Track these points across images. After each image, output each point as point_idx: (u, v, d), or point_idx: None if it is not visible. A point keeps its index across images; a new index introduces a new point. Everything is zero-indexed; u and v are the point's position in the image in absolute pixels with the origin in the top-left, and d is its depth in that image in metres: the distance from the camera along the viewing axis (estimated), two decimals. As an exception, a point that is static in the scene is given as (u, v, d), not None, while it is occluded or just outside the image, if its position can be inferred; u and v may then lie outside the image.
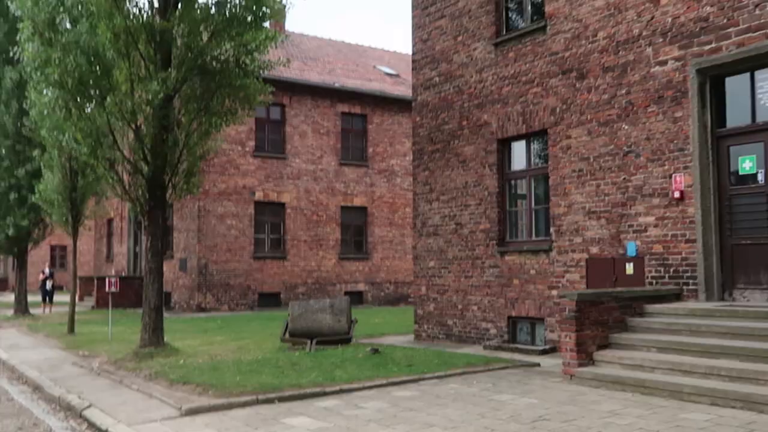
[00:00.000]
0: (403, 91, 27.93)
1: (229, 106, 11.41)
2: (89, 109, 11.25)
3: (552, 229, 11.25)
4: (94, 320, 19.69)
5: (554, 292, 11.11)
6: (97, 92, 10.80)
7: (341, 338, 11.76)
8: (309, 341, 11.33)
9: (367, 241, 26.50)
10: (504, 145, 12.37)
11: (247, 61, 10.92)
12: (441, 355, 10.67)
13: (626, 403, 7.25)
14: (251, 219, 24.11)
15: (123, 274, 29.09)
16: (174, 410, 7.48)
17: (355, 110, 26.44)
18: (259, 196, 24.25)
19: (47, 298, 24.02)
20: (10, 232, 19.72)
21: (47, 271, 24.41)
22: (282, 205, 24.79)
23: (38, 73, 10.85)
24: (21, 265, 21.65)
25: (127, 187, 11.48)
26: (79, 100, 10.83)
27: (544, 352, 10.91)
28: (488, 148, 12.47)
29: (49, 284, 24.14)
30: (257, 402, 7.74)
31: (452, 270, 13.11)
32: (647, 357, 8.07)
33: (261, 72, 11.46)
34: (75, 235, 16.17)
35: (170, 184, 11.60)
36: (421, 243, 13.90)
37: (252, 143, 24.22)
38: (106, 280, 14.61)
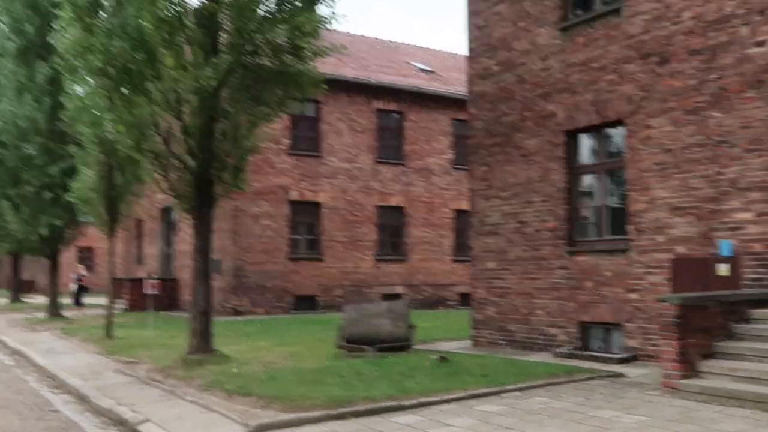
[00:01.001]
0: (440, 87, 27.18)
1: (281, 95, 10.67)
2: (130, 100, 10.54)
3: (630, 227, 10.39)
4: (129, 323, 19.06)
5: (633, 296, 10.25)
6: (142, 81, 10.10)
7: (401, 345, 10.99)
8: (369, 348, 10.55)
9: (404, 241, 25.71)
10: (572, 137, 11.53)
11: (303, 45, 10.13)
12: (514, 364, 9.85)
13: (752, 422, 6.39)
14: (287, 219, 23.41)
15: (154, 276, 28.54)
16: (240, 427, 6.73)
17: (391, 107, 25.67)
18: (294, 195, 23.55)
19: (76, 300, 23.51)
20: (44, 232, 19.18)
21: (77, 273, 23.88)
22: (317, 204, 24.07)
23: (79, 61, 10.19)
24: (53, 267, 21.11)
25: (173, 183, 10.77)
26: (122, 89, 10.14)
27: (623, 361, 10.04)
28: (554, 140, 11.63)
29: (74, 286, 23.64)
30: (329, 417, 6.97)
31: (514, 271, 12.29)
32: (763, 369, 7.21)
33: (313, 59, 10.70)
34: (112, 235, 15.55)
35: (218, 180, 10.89)
36: (479, 243, 13.10)
37: (287, 141, 23.53)
38: (145, 282, 13.94)
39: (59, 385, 10.50)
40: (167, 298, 26.19)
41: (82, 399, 9.16)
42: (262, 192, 22.96)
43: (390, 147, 25.80)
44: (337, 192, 24.37)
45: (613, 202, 11.08)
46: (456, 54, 34.53)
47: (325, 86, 11.22)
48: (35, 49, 19.35)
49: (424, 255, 26.04)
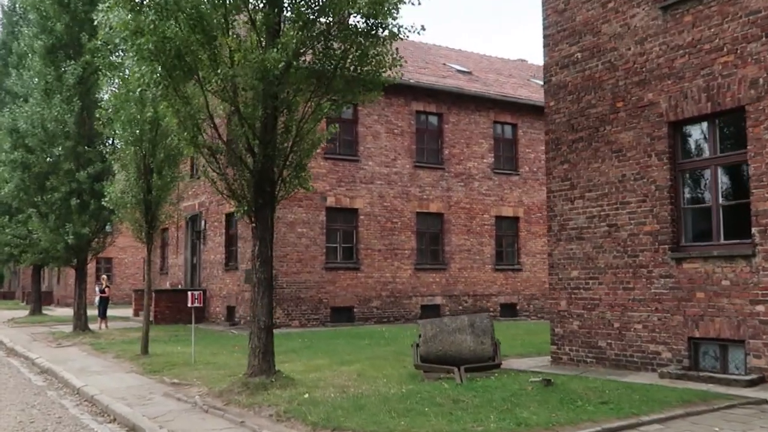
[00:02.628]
0: (479, 88, 25.95)
1: (353, 83, 9.43)
2: (184, 88, 9.35)
3: (755, 230, 9.06)
4: (160, 338, 17.86)
5: (760, 308, 8.92)
6: (197, 66, 8.90)
7: (488, 364, 9.68)
8: (456, 369, 9.24)
9: (444, 250, 24.39)
10: (676, 129, 10.23)
11: (384, 22, 8.86)
12: (631, 388, 8.51)
13: None
14: (323, 226, 22.16)
15: (180, 286, 27.39)
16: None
17: (430, 109, 24.42)
18: (330, 201, 22.30)
19: (100, 313, 22.32)
20: (70, 240, 17.96)
21: (101, 285, 22.71)
22: (355, 211, 22.82)
23: (127, 45, 8.99)
24: (80, 278, 19.90)
25: (230, 182, 9.54)
26: (176, 75, 8.93)
27: (752, 384, 8.69)
28: (655, 133, 10.33)
29: (97, 299, 22.46)
30: (451, 460, 5.69)
31: (604, 281, 10.97)
32: None
33: (391, 41, 9.45)
34: (149, 242, 14.35)
35: (280, 179, 9.65)
36: (560, 249, 11.79)
37: (323, 144, 22.27)
38: (190, 293, 12.70)
39: (102, 411, 9.26)
40: (194, 310, 24.98)
41: (134, 431, 7.91)
42: (296, 198, 21.63)
43: (429, 150, 24.57)
44: (374, 198, 23.11)
45: (730, 200, 9.75)
46: (489, 56, 33.37)
47: (400, 62, 9.85)
48: (64, 48, 18.23)
49: (464, 264, 24.71)
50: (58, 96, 17.62)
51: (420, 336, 9.89)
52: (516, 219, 25.97)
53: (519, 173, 26.10)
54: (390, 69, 9.54)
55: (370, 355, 13.05)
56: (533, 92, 28.09)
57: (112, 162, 16.33)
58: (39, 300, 30.92)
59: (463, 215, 24.82)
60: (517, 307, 25.58)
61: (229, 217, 24.13)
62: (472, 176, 25.10)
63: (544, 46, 12.22)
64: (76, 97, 17.83)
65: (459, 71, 27.48)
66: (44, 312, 31.80)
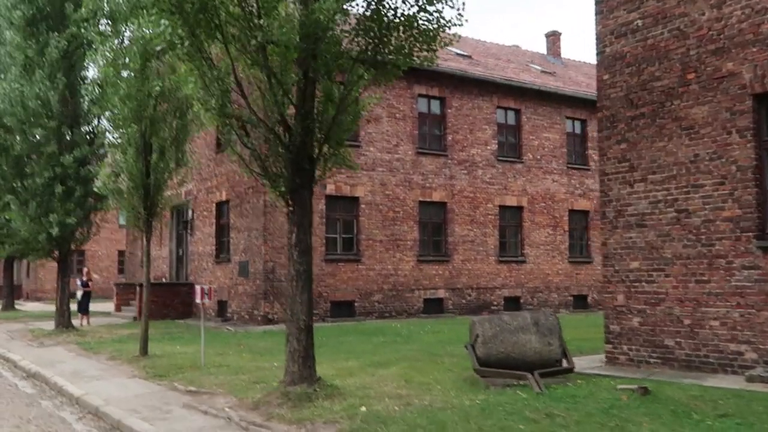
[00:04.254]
0: (481, 71, 24.77)
1: (408, 44, 8.16)
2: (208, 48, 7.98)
3: None
4: (153, 336, 16.11)
5: None
6: (224, 22, 7.55)
7: (560, 369, 8.51)
8: (530, 375, 8.03)
9: (447, 241, 23.19)
10: (762, 103, 9.12)
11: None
12: (740, 396, 7.38)
13: None
14: (322, 215, 20.80)
15: (164, 280, 25.84)
16: None
17: (433, 92, 23.16)
18: (330, 189, 20.93)
19: (82, 308, 20.76)
20: (54, 231, 16.33)
21: (84, 278, 21.10)
22: (355, 199, 21.50)
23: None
24: (63, 271, 18.27)
25: (263, 159, 8.19)
26: (199, 32, 7.56)
27: None
28: (736, 107, 9.22)
29: (79, 293, 20.87)
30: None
31: (672, 273, 9.85)
32: None
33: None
34: (149, 231, 12.89)
35: (320, 155, 8.33)
36: (616, 238, 10.64)
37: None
38: (198, 288, 11.31)
39: (113, 427, 7.89)
40: (181, 305, 23.53)
41: (163, 454, 6.59)
42: (295, 185, 20.35)
43: (431, 136, 23.34)
44: (376, 185, 21.83)
45: (830, 182, 8.70)
46: (484, 41, 32.18)
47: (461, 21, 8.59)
48: (47, 19, 16.51)
49: (468, 255, 23.56)
50: (40, 72, 15.95)
51: (477, 336, 8.66)
52: (520, 209, 24.90)
53: (523, 161, 25.01)
54: (451, 27, 8.27)
55: (397, 355, 11.81)
56: (535, 77, 27.05)
57: (104, 143, 14.79)
58: (12, 295, 29.04)
59: (467, 204, 23.66)
60: (521, 301, 24.52)
61: (220, 206, 22.67)
62: (476, 164, 23.94)
63: (597, 14, 11.04)
64: (60, 73, 16.17)
65: (459, 54, 26.24)
66: (16, 307, 29.94)
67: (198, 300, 11.37)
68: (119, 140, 12.15)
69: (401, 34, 8.01)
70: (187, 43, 7.45)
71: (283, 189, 8.11)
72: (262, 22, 7.39)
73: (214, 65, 7.84)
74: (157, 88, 11.60)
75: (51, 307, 33.00)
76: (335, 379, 9.06)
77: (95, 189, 13.56)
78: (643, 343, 10.16)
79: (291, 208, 8.18)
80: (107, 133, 12.63)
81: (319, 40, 7.49)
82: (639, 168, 10.32)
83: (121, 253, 47.52)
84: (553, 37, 34.02)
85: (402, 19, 7.86)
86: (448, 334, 15.49)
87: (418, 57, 8.41)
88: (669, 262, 9.89)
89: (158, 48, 9.17)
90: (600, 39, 11.00)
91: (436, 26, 8.06)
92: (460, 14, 8.16)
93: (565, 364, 8.65)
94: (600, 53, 11.01)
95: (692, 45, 9.72)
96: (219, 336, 17.04)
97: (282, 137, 8.09)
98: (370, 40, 8.02)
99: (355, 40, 7.96)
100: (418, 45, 8.35)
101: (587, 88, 27.88)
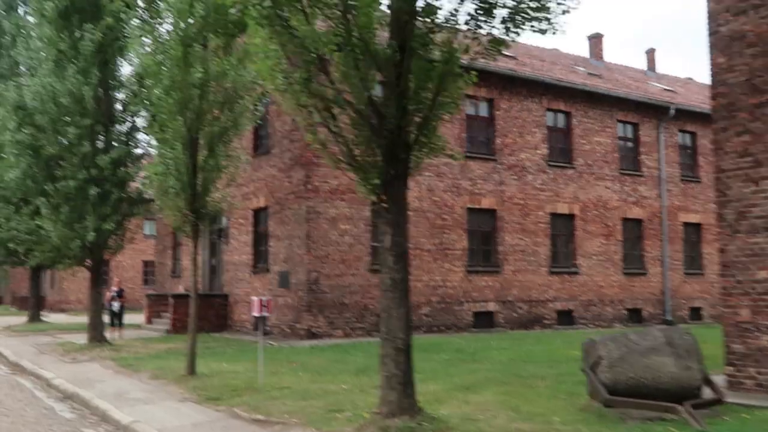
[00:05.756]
0: (530, 71, 23.48)
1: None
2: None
3: None
4: (182, 350, 15.11)
5: None
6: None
7: (707, 400, 7.14)
8: (680, 407, 6.67)
9: (497, 250, 21.85)
10: None
11: None
12: None
13: None
14: (367, 223, 19.56)
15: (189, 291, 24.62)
16: None
17: (481, 93, 21.85)
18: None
19: (115, 321, 19.61)
20: (90, 237, 15.16)
21: (116, 288, 19.97)
22: (402, 206, 20.21)
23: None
24: (96, 281, 17.09)
25: (351, 148, 6.93)
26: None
27: None
28: None
29: (117, 305, 19.72)
30: None
31: (812, 284, 8.48)
32: None
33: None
34: (196, 236, 11.66)
35: (416, 142, 7.07)
36: (738, 244, 9.26)
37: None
38: (255, 300, 10.06)
39: (177, 465, 6.63)
40: (215, 318, 22.34)
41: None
42: (339, 191, 19.14)
43: (480, 140, 22.06)
44: (423, 191, 20.57)
45: None
46: (525, 43, 30.83)
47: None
48: (80, 11, 15.39)
49: (519, 266, 22.19)
50: (73, 66, 14.84)
51: (600, 358, 7.32)
52: (571, 217, 23.51)
53: (574, 166, 23.65)
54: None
55: (478, 376, 10.51)
56: (584, 79, 25.72)
57: (140, 144, 13.63)
58: (38, 306, 27.97)
59: (517, 212, 22.32)
60: (574, 314, 23.10)
61: (258, 213, 21.49)
62: (526, 169, 22.62)
63: (710, -11, 9.73)
64: (94, 68, 15.06)
65: (505, 55, 24.94)
66: (42, 319, 28.90)
67: (255, 313, 10.11)
68: (166, 135, 10.92)
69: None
70: (266, 2, 6.20)
71: (376, 181, 6.84)
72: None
73: (294, 34, 6.60)
74: (199, 75, 10.43)
75: (77, 319, 31.98)
76: (425, 406, 7.75)
77: (140, 187, 12.33)
78: (775, 366, 8.76)
79: (385, 205, 6.91)
80: (149, 131, 11.37)
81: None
82: (766, 163, 8.96)
83: (146, 264, 46.63)
84: (596, 40, 32.67)
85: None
86: (517, 352, 14.17)
87: (533, 27, 7.10)
88: (808, 271, 8.52)
89: (232, 10, 7.91)
90: (713, 17, 9.67)
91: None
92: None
93: (708, 392, 7.26)
94: (713, 34, 9.68)
95: (837, 19, 8.39)
96: (264, 352, 15.75)
97: (374, 121, 6.83)
98: (478, 6, 6.76)
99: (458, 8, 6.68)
100: (529, 14, 7.06)
101: (637, 90, 26.55)
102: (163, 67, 10.74)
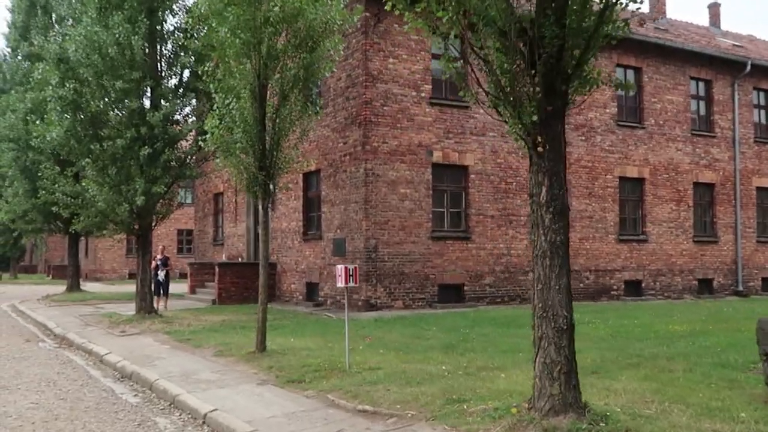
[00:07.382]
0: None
1: None
2: None
3: None
4: (247, 324, 14.06)
5: None
6: None
7: None
8: None
9: (563, 216, 20.36)
10: None
11: None
12: None
13: None
14: (428, 186, 18.18)
15: (240, 259, 23.58)
16: None
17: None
18: (437, 156, 18.29)
19: (162, 291, 18.54)
20: (139, 201, 13.95)
21: (162, 256, 18.88)
22: (464, 168, 18.80)
23: None
24: (143, 249, 15.92)
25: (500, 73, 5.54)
26: None
27: None
28: None
29: (162, 274, 18.64)
30: None
31: None
32: None
33: None
34: (266, 198, 10.34)
35: (577, 73, 5.65)
36: None
37: (428, 87, 18.27)
38: (341, 268, 8.77)
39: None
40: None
41: None
42: (399, 152, 17.76)
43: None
44: (486, 153, 19.10)
45: None
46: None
47: None
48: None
49: (585, 233, 20.71)
50: (119, 14, 13.49)
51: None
52: (641, 181, 21.93)
53: (644, 126, 21.99)
54: None
55: (594, 356, 9.11)
56: (656, 33, 23.89)
57: (193, 101, 12.30)
58: (77, 275, 27.07)
59: (584, 175, 20.79)
60: (642, 285, 21.64)
61: (308, 176, 20.19)
62: (594, 129, 21.03)
63: None
64: (142, 15, 13.70)
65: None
66: (83, 289, 28.08)
67: (341, 284, 8.81)
68: (232, 82, 9.57)
69: None
70: None
71: (534, 119, 5.44)
72: None
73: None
74: (276, 9, 9.04)
75: (113, 288, 31.19)
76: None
77: (200, 143, 11.00)
78: None
79: (540, 149, 5.51)
80: (209, 79, 10.00)
81: None
82: None
83: (180, 232, 45.83)
84: (714, 8, 31.02)
85: None
86: (611, 327, 12.81)
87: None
88: None
89: None
90: None
91: None
92: None
93: None
94: None
95: None
96: (322, 324, 14.60)
97: (529, 40, 5.41)
98: None
99: None
100: None
101: (708, 45, 24.67)
102: (229, 6, 9.36)
